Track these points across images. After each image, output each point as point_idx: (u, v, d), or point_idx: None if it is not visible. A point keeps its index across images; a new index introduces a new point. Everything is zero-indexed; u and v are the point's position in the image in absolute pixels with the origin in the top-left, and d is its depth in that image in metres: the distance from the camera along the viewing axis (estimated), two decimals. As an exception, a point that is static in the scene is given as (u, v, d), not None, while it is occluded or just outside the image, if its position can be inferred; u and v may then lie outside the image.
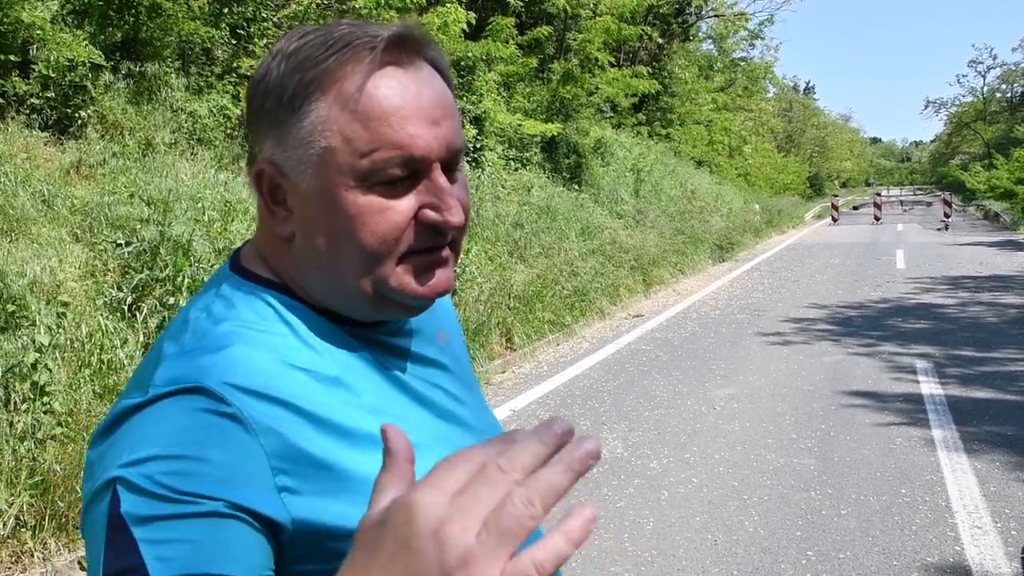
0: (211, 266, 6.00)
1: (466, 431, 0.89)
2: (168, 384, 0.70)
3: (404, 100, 0.75)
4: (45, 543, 3.61)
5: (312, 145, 0.75)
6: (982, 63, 63.59)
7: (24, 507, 3.67)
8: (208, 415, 0.68)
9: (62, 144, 6.87)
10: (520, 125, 12.86)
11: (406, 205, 0.76)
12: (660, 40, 22.91)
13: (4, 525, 3.58)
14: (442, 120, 0.77)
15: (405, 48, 0.77)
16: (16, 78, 6.65)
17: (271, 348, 0.75)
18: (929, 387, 6.50)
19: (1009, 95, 61.67)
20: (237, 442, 0.68)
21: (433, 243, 0.79)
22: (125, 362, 4.87)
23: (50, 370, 4.31)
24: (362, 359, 0.82)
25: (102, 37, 7.52)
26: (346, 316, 0.83)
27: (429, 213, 0.77)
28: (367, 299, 0.80)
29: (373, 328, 0.85)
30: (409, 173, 0.76)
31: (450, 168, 0.79)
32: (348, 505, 0.72)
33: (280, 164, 0.77)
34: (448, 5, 11.26)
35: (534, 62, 14.56)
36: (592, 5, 16.97)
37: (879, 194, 39.48)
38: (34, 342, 4.33)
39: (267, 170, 0.78)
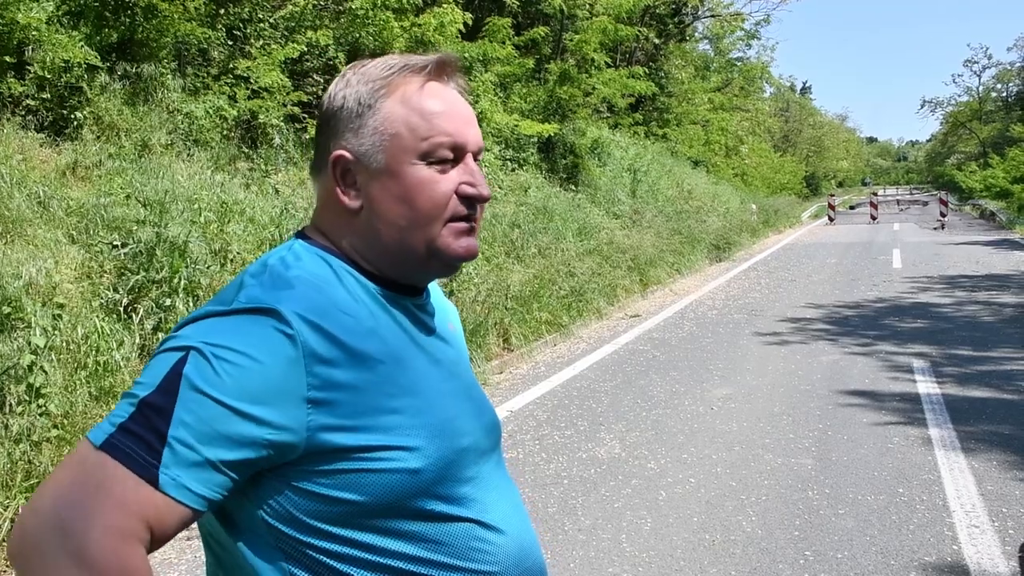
0: (207, 267, 5.99)
1: (468, 393, 1.14)
2: (249, 303, 0.96)
3: (449, 104, 1.06)
4: (41, 546, 3.60)
5: (384, 133, 1.04)
6: (977, 63, 63.58)
7: (20, 509, 3.65)
8: (274, 331, 0.93)
9: (58, 145, 6.86)
10: (517, 125, 12.86)
11: (451, 180, 1.05)
12: (656, 40, 22.95)
13: (0, 528, 3.56)
14: (473, 124, 1.08)
15: (446, 70, 1.08)
16: (12, 79, 6.63)
17: (327, 294, 1.00)
18: (926, 386, 6.51)
19: (1004, 94, 61.75)
20: (287, 356, 0.93)
21: (467, 213, 1.06)
22: (121, 364, 4.85)
23: (46, 372, 4.30)
24: (392, 318, 1.06)
25: (98, 38, 7.51)
26: (390, 279, 1.08)
27: (467, 187, 1.06)
28: (417, 256, 1.06)
29: (406, 296, 1.10)
30: (454, 157, 1.05)
31: (475, 161, 1.09)
32: (359, 431, 0.96)
33: (354, 150, 1.04)
34: (444, 6, 11.26)
35: (531, 62, 14.54)
36: (588, 6, 16.98)
37: (875, 194, 39.52)
38: (30, 344, 4.32)
39: (343, 156, 1.05)
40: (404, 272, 1.08)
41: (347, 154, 1.04)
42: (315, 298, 0.98)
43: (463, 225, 1.06)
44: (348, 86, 1.06)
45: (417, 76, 1.05)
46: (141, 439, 0.88)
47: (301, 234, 1.10)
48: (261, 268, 1.03)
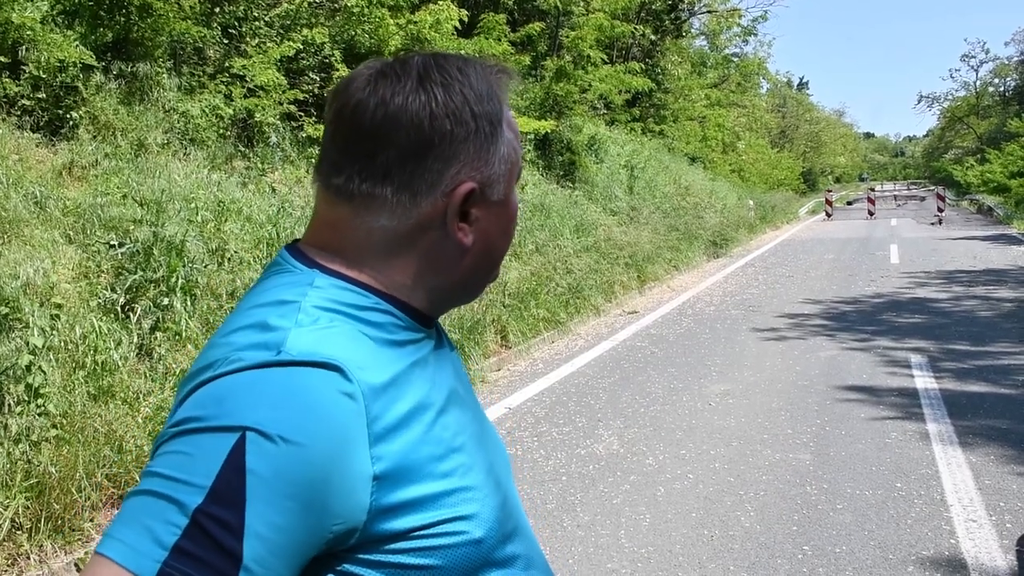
0: (205, 266, 5.99)
1: (484, 425, 0.99)
2: (304, 354, 0.76)
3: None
4: (41, 546, 3.60)
5: (507, 160, 0.91)
6: (975, 57, 63.92)
7: (20, 510, 3.65)
8: (340, 395, 0.75)
9: (54, 145, 6.85)
10: (513, 122, 12.84)
11: None
12: (653, 37, 22.93)
13: (0, 528, 3.57)
14: None
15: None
16: (7, 79, 6.62)
17: (370, 337, 0.83)
18: (924, 381, 6.52)
19: (1002, 89, 61.79)
20: (356, 427, 0.75)
21: None
22: (119, 363, 4.85)
23: (44, 372, 4.29)
24: (425, 360, 0.90)
25: (93, 37, 7.50)
26: (423, 314, 0.92)
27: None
28: (482, 289, 0.96)
29: (428, 327, 0.94)
30: None
31: None
32: (417, 506, 0.79)
33: (481, 180, 0.89)
34: (440, 3, 11.25)
35: (527, 59, 14.53)
36: (584, 2, 16.96)
37: (873, 189, 39.52)
38: (28, 344, 4.31)
39: (475, 188, 0.88)
40: (451, 307, 0.96)
41: (477, 186, 0.88)
42: (362, 345, 0.81)
43: None
44: (469, 102, 0.87)
45: (505, 94, 0.94)
46: (207, 566, 0.68)
47: (305, 258, 0.89)
48: (280, 304, 0.82)
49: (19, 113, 6.75)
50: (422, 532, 0.79)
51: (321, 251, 0.88)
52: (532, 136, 13.82)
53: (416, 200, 0.86)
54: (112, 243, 5.75)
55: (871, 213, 30.20)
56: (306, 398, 0.73)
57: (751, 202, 26.04)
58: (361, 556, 0.78)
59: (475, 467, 0.87)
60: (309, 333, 0.78)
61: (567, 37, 15.98)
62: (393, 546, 0.78)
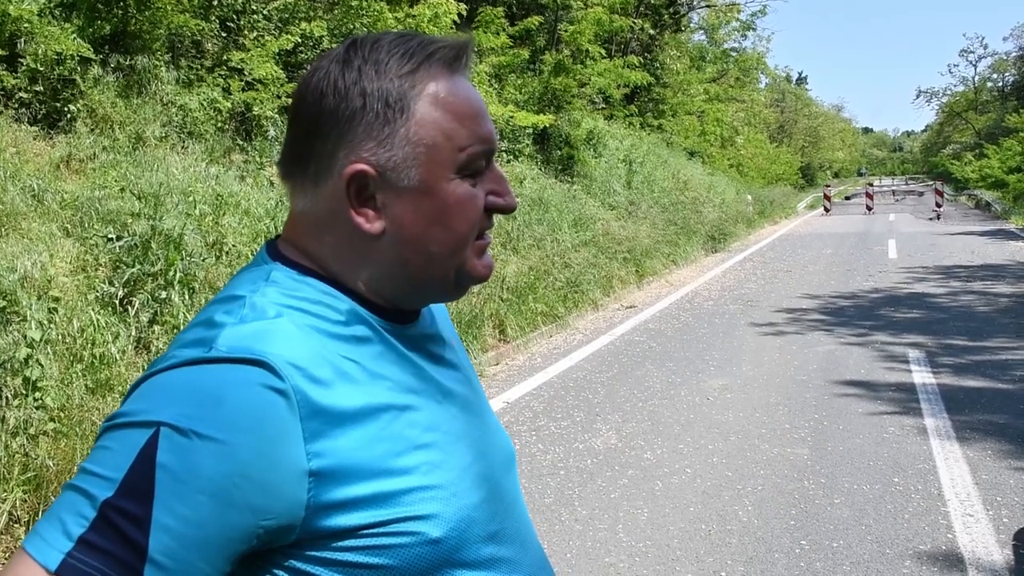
0: (203, 260, 5.98)
1: (482, 423, 0.96)
2: (230, 351, 0.74)
3: (478, 102, 0.87)
4: (38, 539, 3.60)
5: (419, 143, 0.83)
6: (973, 52, 63.84)
7: (17, 503, 3.66)
8: (264, 390, 0.73)
9: (51, 138, 6.83)
10: (512, 117, 12.83)
11: (482, 192, 0.87)
12: (652, 31, 22.90)
13: (-3, 521, 3.57)
14: (490, 120, 0.89)
15: (467, 58, 0.88)
16: (4, 72, 6.60)
17: (323, 334, 0.81)
18: (921, 376, 6.53)
19: (1000, 84, 61.77)
20: (283, 421, 0.74)
21: (487, 227, 0.89)
22: (117, 357, 4.85)
23: (42, 365, 4.29)
24: (396, 354, 0.87)
25: (90, 30, 7.47)
26: (393, 308, 0.89)
27: (494, 199, 0.88)
28: (443, 283, 0.88)
29: (405, 324, 0.90)
30: (486, 164, 0.87)
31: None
32: (367, 503, 0.77)
33: (379, 164, 0.83)
34: (439, -4, 11.21)
35: (525, 53, 14.51)
36: (583, -4, 16.93)
37: (871, 184, 39.53)
38: (25, 337, 4.31)
39: (365, 171, 0.83)
40: (415, 300, 0.91)
41: (370, 169, 0.82)
42: (308, 340, 0.79)
43: (484, 241, 0.90)
44: (364, 78, 0.82)
45: (443, 68, 0.85)
46: (112, 557, 0.68)
47: (274, 250, 0.89)
48: (231, 299, 0.82)
49: (16, 106, 6.73)
50: (372, 530, 0.77)
51: (286, 242, 0.89)
52: (531, 130, 13.81)
53: (318, 182, 0.85)
54: (110, 236, 5.74)
55: (869, 208, 30.18)
56: (226, 394, 0.72)
57: (749, 197, 26.05)
58: (308, 553, 0.76)
59: (445, 465, 0.84)
60: (247, 329, 0.77)
61: (566, 31, 15.94)
62: (341, 543, 0.76)
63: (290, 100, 8.02)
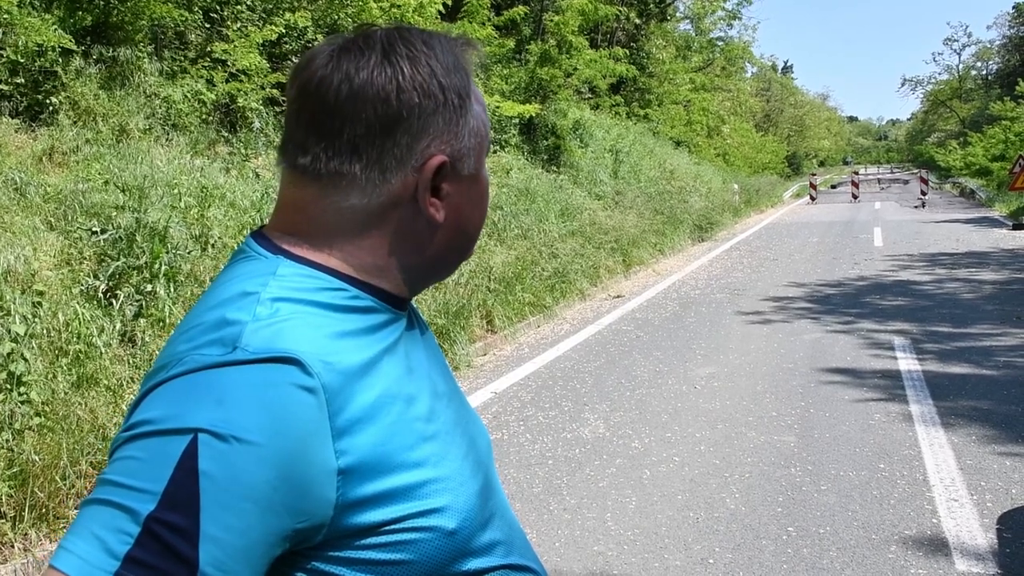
0: (188, 253, 5.95)
1: (463, 410, 0.97)
2: (260, 350, 0.73)
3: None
4: (26, 534, 3.59)
5: (476, 134, 0.89)
6: (957, 41, 64.25)
7: (3, 498, 3.64)
8: (296, 389, 0.72)
9: (34, 131, 6.77)
10: (498, 107, 12.80)
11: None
12: (637, 20, 22.88)
13: (-17, 517, 3.55)
14: None
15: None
16: (-16, 64, 6.53)
17: (336, 325, 0.80)
18: (907, 363, 6.57)
19: (984, 73, 62.11)
20: (315, 420, 0.73)
21: None
22: (102, 350, 4.82)
23: (26, 360, 4.26)
24: (397, 343, 0.87)
25: (72, 21, 7.39)
26: (406, 297, 0.91)
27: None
28: (458, 265, 0.95)
29: (401, 309, 0.91)
30: None
31: None
32: (387, 499, 0.77)
33: (453, 154, 0.87)
34: (424, -14, 11.15)
35: (511, 43, 14.46)
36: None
37: (857, 173, 39.70)
38: (9, 332, 4.28)
39: (446, 161, 0.86)
40: (428, 284, 0.94)
41: (448, 160, 0.86)
42: (327, 335, 0.78)
43: None
44: (436, 75, 0.85)
45: (472, 67, 0.92)
46: (162, 573, 0.66)
47: (269, 244, 0.86)
48: (240, 296, 0.79)
49: (-3, 98, 6.67)
50: (392, 526, 0.77)
51: (287, 236, 0.86)
52: (517, 120, 13.78)
53: (386, 176, 0.84)
54: (94, 229, 5.69)
55: (855, 196, 30.31)
56: (260, 396, 0.71)
57: (736, 186, 26.11)
58: (331, 553, 0.76)
59: (448, 455, 0.85)
60: (267, 326, 0.75)
61: (551, 21, 15.90)
62: (363, 541, 0.76)
63: (275, 91, 7.93)
